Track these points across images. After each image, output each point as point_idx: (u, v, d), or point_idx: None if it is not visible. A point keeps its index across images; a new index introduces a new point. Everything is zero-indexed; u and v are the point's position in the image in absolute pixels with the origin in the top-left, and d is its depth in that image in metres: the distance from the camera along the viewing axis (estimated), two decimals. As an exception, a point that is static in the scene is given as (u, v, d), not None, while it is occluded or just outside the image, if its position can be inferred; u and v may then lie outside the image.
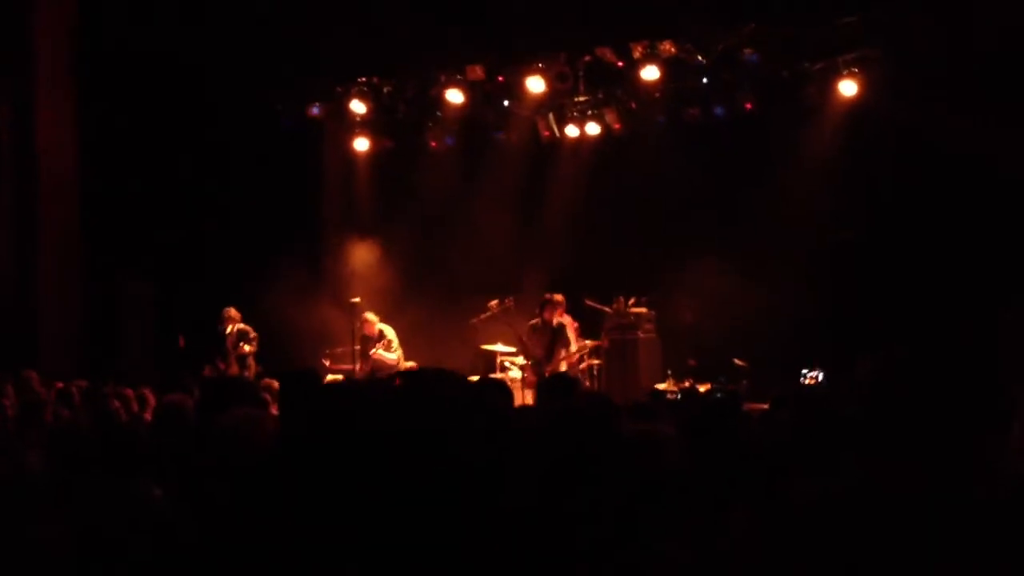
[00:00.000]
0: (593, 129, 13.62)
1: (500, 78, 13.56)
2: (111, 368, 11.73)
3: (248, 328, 12.93)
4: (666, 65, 12.52)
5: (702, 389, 10.85)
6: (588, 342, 12.06)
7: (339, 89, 13.99)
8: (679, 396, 10.10)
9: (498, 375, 11.97)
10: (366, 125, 14.46)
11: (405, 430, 1.52)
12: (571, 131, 13.75)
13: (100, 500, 3.55)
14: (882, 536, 2.43)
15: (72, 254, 13.48)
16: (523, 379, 11.77)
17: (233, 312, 13.02)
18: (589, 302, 12.43)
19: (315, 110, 14.07)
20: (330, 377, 11.53)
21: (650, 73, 12.50)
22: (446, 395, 1.59)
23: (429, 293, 13.54)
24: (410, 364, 12.64)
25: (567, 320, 11.91)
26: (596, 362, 12.15)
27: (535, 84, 13.05)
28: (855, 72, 11.88)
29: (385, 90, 13.93)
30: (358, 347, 12.78)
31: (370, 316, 12.70)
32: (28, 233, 13.04)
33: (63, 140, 13.43)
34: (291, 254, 13.43)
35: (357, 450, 1.49)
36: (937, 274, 11.08)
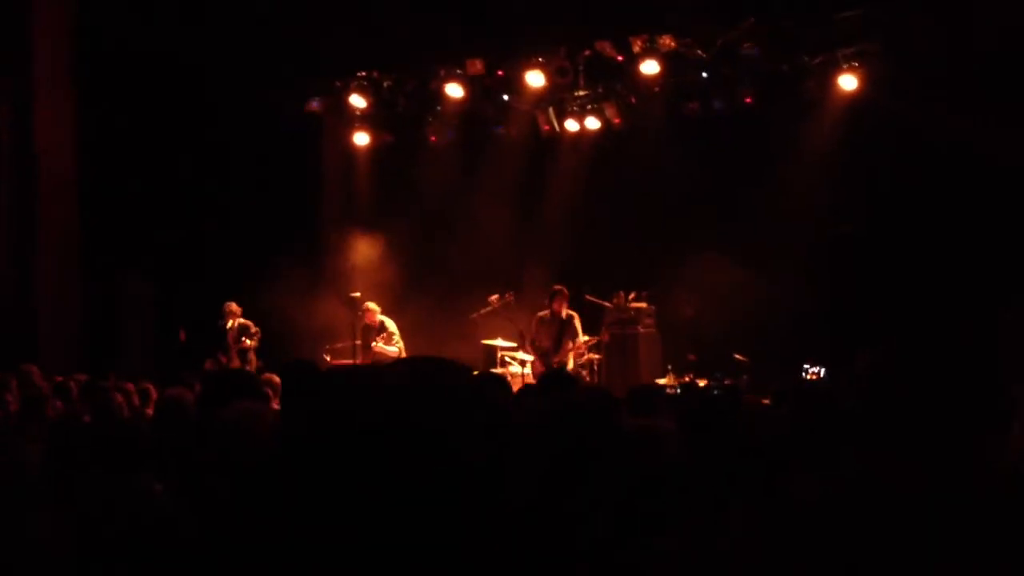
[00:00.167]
0: (593, 123, 13.62)
1: (500, 72, 13.54)
2: (111, 367, 11.73)
3: (249, 323, 12.94)
4: (666, 59, 12.52)
5: (701, 384, 10.88)
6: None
7: (338, 84, 13.99)
8: (678, 391, 10.12)
9: (498, 370, 11.97)
10: (366, 120, 14.45)
11: (405, 424, 1.51)
12: (571, 125, 13.74)
13: (100, 495, 3.55)
14: (881, 532, 2.43)
15: (72, 254, 13.49)
16: (532, 369, 11.79)
17: (234, 306, 13.02)
18: (589, 297, 12.43)
19: (315, 105, 14.07)
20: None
21: (650, 67, 12.50)
22: (446, 387, 1.59)
23: (429, 288, 13.54)
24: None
25: (575, 313, 11.96)
26: (596, 357, 12.16)
27: (535, 78, 13.04)
28: (855, 66, 11.87)
29: (385, 84, 13.92)
30: (359, 341, 12.79)
31: (371, 305, 12.71)
32: (28, 233, 13.05)
33: (62, 140, 13.43)
34: (291, 250, 13.43)
35: (356, 444, 1.49)
36: (936, 269, 11.08)
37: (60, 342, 12.93)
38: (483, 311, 12.40)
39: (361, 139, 14.63)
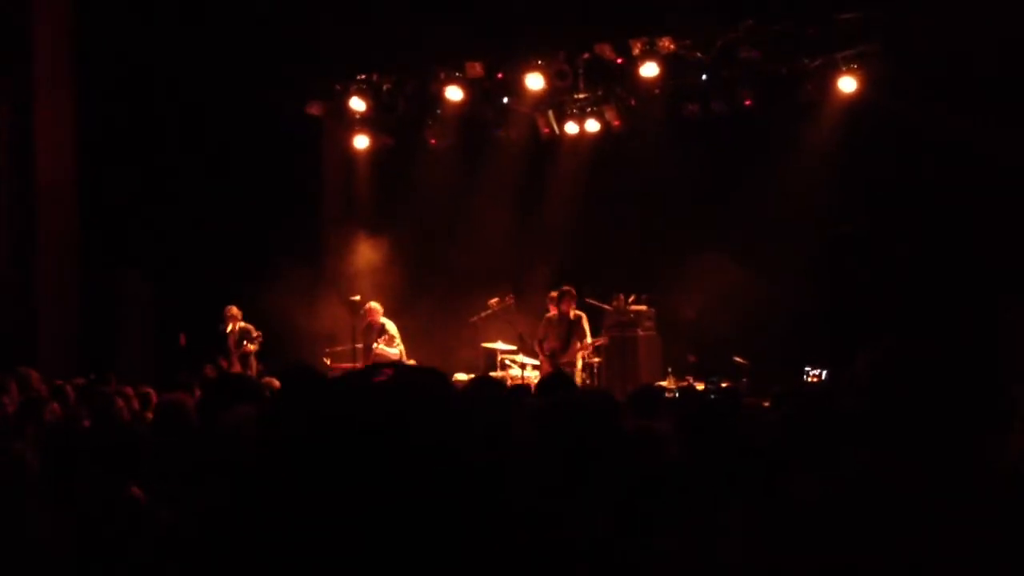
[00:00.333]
0: (593, 126, 13.62)
1: (500, 75, 13.55)
2: (111, 367, 11.73)
3: (250, 327, 12.91)
4: (665, 62, 12.53)
5: (701, 387, 10.86)
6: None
7: (338, 87, 13.99)
8: (677, 395, 10.11)
9: (498, 373, 11.97)
10: (366, 123, 14.46)
11: (405, 425, 1.51)
12: (571, 128, 13.75)
13: (100, 500, 3.54)
14: (881, 532, 2.43)
15: (71, 254, 13.49)
16: (540, 370, 11.80)
17: (235, 310, 13.01)
18: (589, 300, 12.43)
19: (315, 108, 14.07)
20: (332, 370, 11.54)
21: (649, 70, 12.51)
22: (445, 389, 1.59)
23: (430, 290, 13.54)
24: (412, 362, 12.64)
25: (583, 313, 11.99)
26: (596, 360, 12.16)
27: (534, 81, 13.05)
28: (854, 68, 11.88)
29: (385, 87, 13.91)
30: (359, 344, 12.78)
31: (374, 305, 12.69)
32: (27, 233, 13.05)
33: (62, 140, 13.43)
34: (291, 253, 13.42)
35: (356, 446, 1.49)
36: (937, 269, 11.09)
37: (60, 342, 12.94)
38: (483, 314, 12.40)
39: (361, 142, 14.64)
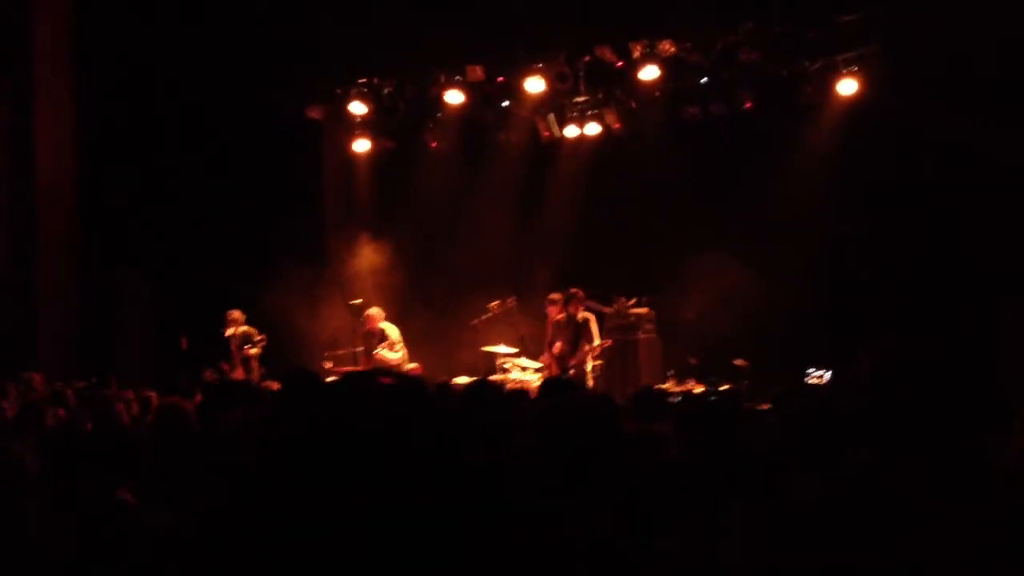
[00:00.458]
0: (593, 129, 13.61)
1: (500, 78, 13.56)
2: (111, 368, 11.73)
3: (252, 330, 12.89)
4: (665, 64, 12.53)
5: (699, 390, 10.84)
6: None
7: (339, 90, 13.99)
8: (679, 398, 10.09)
9: (499, 376, 11.95)
10: (366, 126, 14.45)
11: (405, 427, 1.51)
12: (571, 131, 13.74)
13: (100, 502, 3.54)
14: (881, 532, 2.42)
15: (71, 254, 13.49)
16: (549, 372, 11.80)
17: (237, 314, 12.99)
18: (589, 302, 12.41)
19: (315, 112, 14.07)
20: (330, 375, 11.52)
21: (649, 72, 12.51)
22: (444, 391, 1.59)
23: (430, 293, 13.52)
24: (413, 365, 12.64)
25: (591, 315, 11.98)
26: (597, 362, 12.15)
27: (535, 84, 13.05)
28: (854, 70, 11.88)
29: (385, 91, 13.91)
30: (360, 348, 12.76)
31: (374, 311, 12.68)
32: (27, 233, 13.05)
33: (62, 140, 13.43)
34: (291, 255, 13.40)
35: (355, 451, 1.49)
36: (937, 269, 11.08)
37: (60, 342, 12.93)
38: (484, 317, 12.38)
39: (361, 146, 14.63)
